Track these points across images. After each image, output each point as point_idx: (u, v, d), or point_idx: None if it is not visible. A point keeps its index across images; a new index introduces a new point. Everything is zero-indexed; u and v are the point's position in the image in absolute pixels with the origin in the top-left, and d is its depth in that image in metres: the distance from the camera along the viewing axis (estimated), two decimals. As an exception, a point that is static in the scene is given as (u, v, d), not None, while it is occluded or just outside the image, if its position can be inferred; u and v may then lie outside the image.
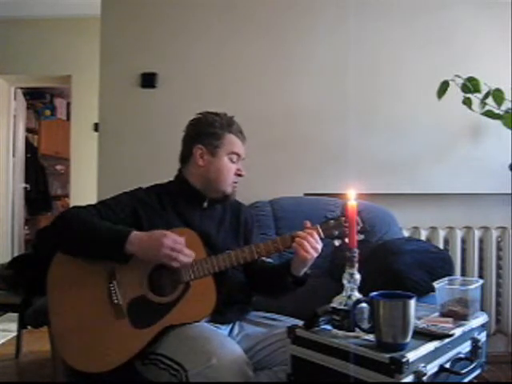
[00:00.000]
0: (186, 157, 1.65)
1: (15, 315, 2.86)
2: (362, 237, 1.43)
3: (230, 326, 1.57)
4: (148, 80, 2.57)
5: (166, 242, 1.37)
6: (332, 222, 1.47)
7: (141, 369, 1.45)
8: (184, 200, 1.61)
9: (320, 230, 1.46)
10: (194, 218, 1.59)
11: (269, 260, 1.63)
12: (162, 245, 1.37)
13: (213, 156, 1.60)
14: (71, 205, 4.35)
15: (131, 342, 1.40)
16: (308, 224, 1.48)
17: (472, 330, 1.29)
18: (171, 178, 1.68)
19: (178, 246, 1.38)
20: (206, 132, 1.60)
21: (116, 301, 1.43)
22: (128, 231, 1.41)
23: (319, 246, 1.44)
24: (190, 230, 1.50)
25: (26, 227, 5.42)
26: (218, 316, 1.48)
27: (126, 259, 1.41)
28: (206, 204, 1.62)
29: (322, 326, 1.25)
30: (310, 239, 1.43)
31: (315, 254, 1.44)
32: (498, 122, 2.30)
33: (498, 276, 2.62)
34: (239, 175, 1.63)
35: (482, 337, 1.34)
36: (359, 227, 1.44)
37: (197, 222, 1.58)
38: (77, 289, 1.45)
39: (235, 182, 1.62)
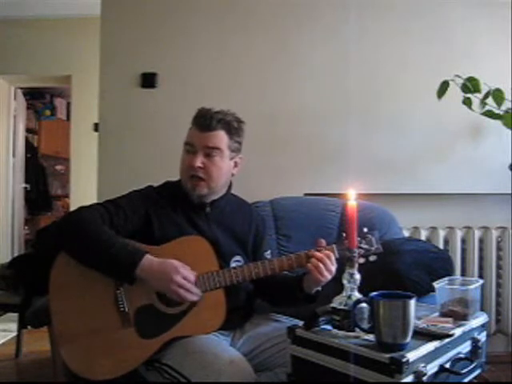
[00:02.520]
0: None
1: (15, 315, 2.85)
2: (374, 258, 1.43)
3: (233, 331, 1.55)
4: (148, 80, 2.57)
5: (176, 279, 1.34)
6: (347, 242, 1.41)
7: (143, 372, 1.43)
8: (191, 202, 1.56)
9: (335, 251, 1.43)
10: (202, 222, 1.56)
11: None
12: (172, 280, 1.34)
13: None
14: (71, 205, 4.36)
15: (136, 351, 1.38)
16: (323, 243, 1.44)
17: (472, 329, 1.29)
18: (171, 178, 1.66)
19: (187, 284, 1.36)
20: None
21: (123, 308, 1.39)
22: (140, 256, 1.35)
23: (334, 267, 1.40)
24: (203, 239, 1.47)
25: (26, 227, 5.42)
26: (223, 323, 1.45)
27: (133, 282, 1.37)
28: (208, 209, 1.58)
29: (322, 326, 1.25)
30: (327, 261, 1.39)
31: (330, 277, 1.40)
32: (497, 122, 2.30)
33: (498, 276, 2.62)
34: (191, 167, 1.50)
35: (482, 337, 1.34)
36: (374, 248, 1.44)
37: (205, 226, 1.55)
38: (81, 293, 1.40)
39: (192, 176, 1.51)
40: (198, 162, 1.50)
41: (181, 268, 1.36)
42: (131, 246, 1.38)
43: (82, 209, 1.46)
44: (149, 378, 1.43)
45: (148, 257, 1.36)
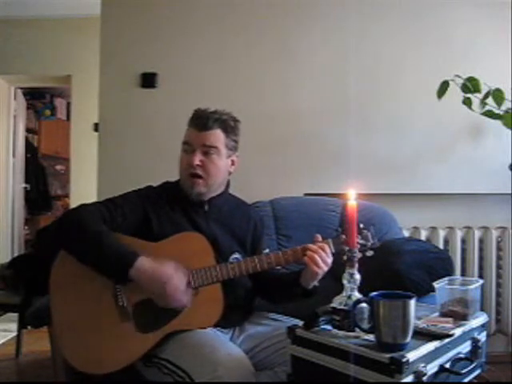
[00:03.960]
0: None
1: (15, 315, 2.85)
2: (371, 253, 1.43)
3: (232, 328, 1.56)
4: (148, 80, 2.57)
5: (168, 289, 1.35)
6: (344, 237, 1.43)
7: (142, 370, 1.44)
8: (189, 201, 1.58)
9: (331, 245, 1.44)
10: (201, 220, 1.57)
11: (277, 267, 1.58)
12: (164, 290, 1.34)
13: None
14: (71, 205, 4.35)
15: (135, 345, 1.39)
16: (319, 238, 1.46)
17: (472, 329, 1.29)
18: (171, 178, 1.66)
19: (177, 294, 1.36)
20: None
21: (121, 303, 1.40)
22: (134, 257, 1.35)
23: (330, 260, 1.42)
24: (201, 236, 1.49)
25: (26, 227, 5.42)
26: (221, 320, 1.45)
27: (126, 282, 1.38)
28: (206, 207, 1.59)
29: (322, 326, 1.25)
30: (322, 253, 1.41)
31: (326, 269, 1.42)
32: (498, 122, 2.30)
33: (498, 276, 2.62)
34: (190, 165, 1.52)
35: (482, 337, 1.34)
36: (370, 243, 1.44)
37: (204, 224, 1.56)
38: (81, 289, 1.42)
39: (192, 175, 1.53)
40: (197, 160, 1.52)
41: (172, 278, 1.36)
42: (127, 247, 1.38)
43: (82, 206, 1.47)
44: (148, 374, 1.44)
45: (142, 259, 1.36)
